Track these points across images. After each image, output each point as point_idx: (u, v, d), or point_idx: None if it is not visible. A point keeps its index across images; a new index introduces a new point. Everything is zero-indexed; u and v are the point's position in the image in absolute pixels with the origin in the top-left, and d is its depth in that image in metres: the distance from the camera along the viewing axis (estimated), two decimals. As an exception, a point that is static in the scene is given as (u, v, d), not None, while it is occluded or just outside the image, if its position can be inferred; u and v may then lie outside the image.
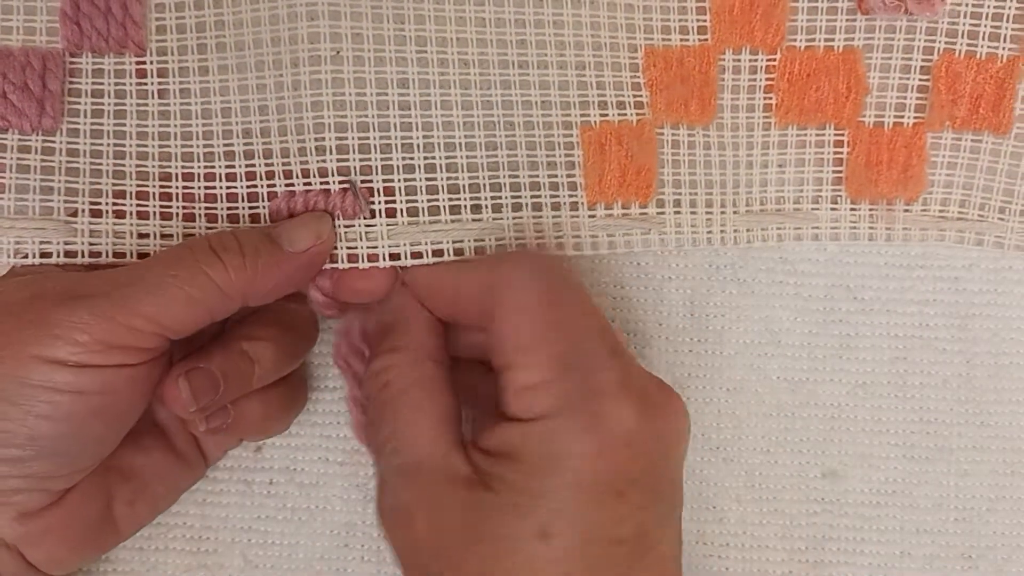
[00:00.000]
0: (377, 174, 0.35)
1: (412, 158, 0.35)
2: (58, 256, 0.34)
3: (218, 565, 0.38)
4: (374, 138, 0.35)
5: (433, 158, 0.35)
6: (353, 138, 0.35)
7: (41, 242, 0.34)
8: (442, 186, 0.35)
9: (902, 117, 0.37)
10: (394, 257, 0.35)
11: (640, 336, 0.39)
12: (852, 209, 0.38)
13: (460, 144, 0.35)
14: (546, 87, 0.36)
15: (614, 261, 0.39)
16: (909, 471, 0.39)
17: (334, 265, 0.35)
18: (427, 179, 0.35)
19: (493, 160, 0.36)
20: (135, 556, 0.38)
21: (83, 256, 0.34)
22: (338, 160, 0.34)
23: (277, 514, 0.38)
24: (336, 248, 0.35)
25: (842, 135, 0.37)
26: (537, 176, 0.36)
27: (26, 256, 0.34)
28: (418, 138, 0.35)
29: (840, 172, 0.38)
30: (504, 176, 0.36)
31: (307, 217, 0.34)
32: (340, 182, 0.35)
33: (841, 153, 0.37)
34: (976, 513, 0.39)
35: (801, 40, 0.37)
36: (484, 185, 0.36)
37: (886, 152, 0.37)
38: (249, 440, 0.38)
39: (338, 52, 0.34)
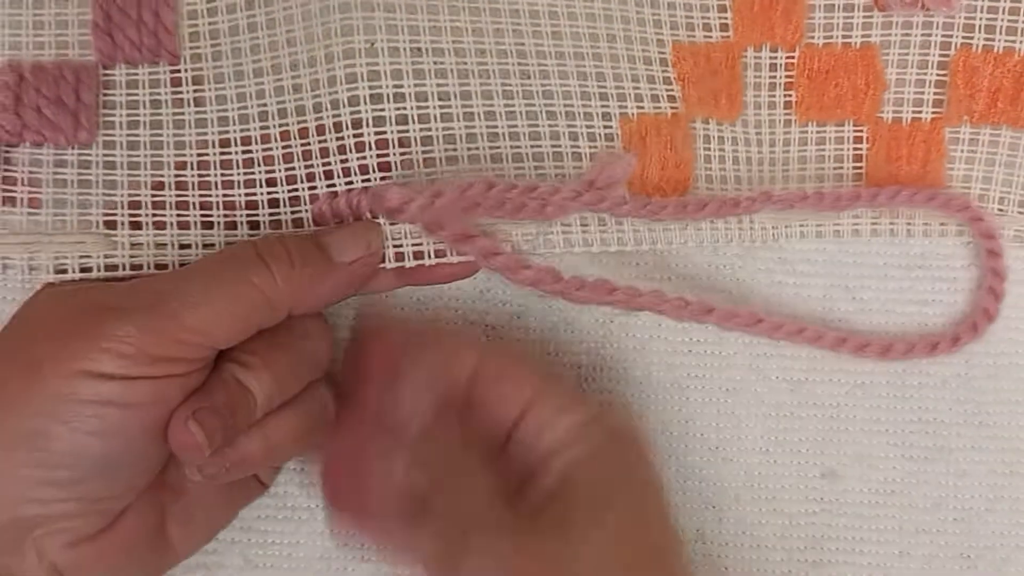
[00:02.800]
0: (419, 167, 0.34)
1: (455, 149, 0.34)
2: (99, 270, 0.33)
3: (218, 564, 0.38)
4: (414, 131, 0.34)
5: (476, 148, 0.34)
6: (392, 132, 0.33)
7: (81, 256, 0.34)
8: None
9: (920, 112, 0.37)
10: (439, 254, 0.34)
11: (639, 337, 0.38)
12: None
13: (504, 134, 0.34)
14: (584, 78, 0.35)
15: (613, 262, 0.38)
16: (908, 471, 0.39)
17: (383, 265, 0.34)
18: (471, 170, 0.34)
19: (538, 150, 0.35)
20: (135, 556, 0.38)
21: (124, 269, 0.34)
22: (378, 156, 0.33)
23: (277, 513, 0.38)
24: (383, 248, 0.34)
25: (861, 131, 0.37)
26: (581, 167, 0.35)
27: (65, 272, 0.34)
28: (459, 128, 0.34)
29: (860, 168, 0.37)
30: (550, 166, 0.35)
31: (357, 226, 0.33)
32: (381, 179, 0.33)
33: (861, 149, 0.37)
34: (975, 513, 0.39)
35: (819, 37, 0.37)
36: (529, 175, 0.35)
37: (905, 147, 0.37)
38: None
39: (372, 44, 0.33)
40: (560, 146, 0.35)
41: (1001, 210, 0.38)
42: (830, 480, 0.39)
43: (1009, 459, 0.39)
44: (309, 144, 0.34)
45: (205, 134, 0.34)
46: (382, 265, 0.34)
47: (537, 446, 0.32)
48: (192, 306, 0.30)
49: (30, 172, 0.34)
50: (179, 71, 0.35)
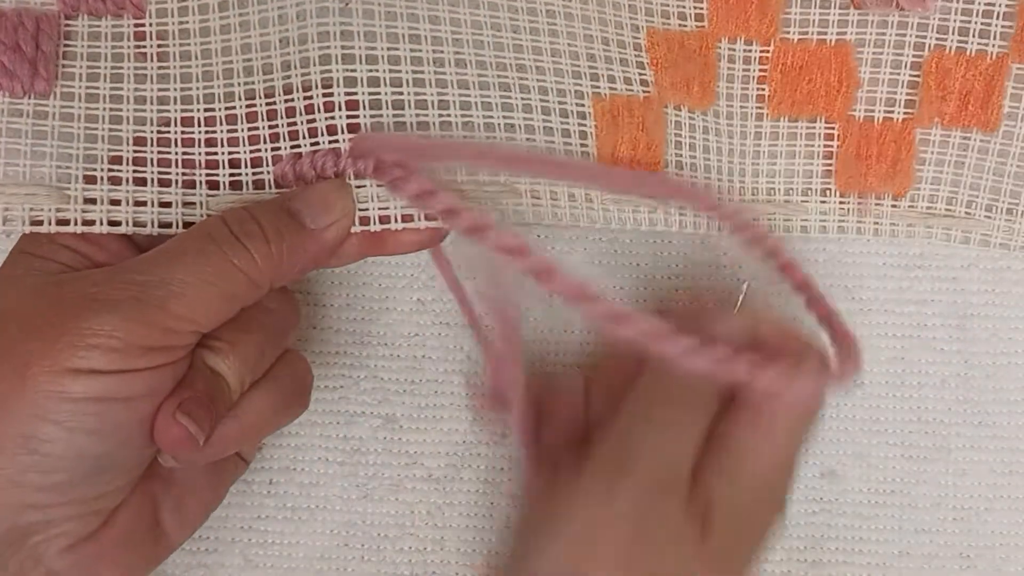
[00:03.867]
0: (389, 131, 0.33)
1: (426, 115, 0.33)
2: (50, 224, 0.32)
3: (218, 564, 0.38)
4: (385, 93, 0.33)
5: (448, 115, 0.34)
6: (364, 93, 0.33)
7: (32, 209, 0.32)
8: None
9: (892, 112, 0.37)
10: (406, 219, 0.33)
11: (639, 336, 0.39)
12: (841, 202, 0.38)
13: (476, 103, 0.34)
14: (557, 55, 0.35)
15: (613, 262, 0.39)
16: (907, 471, 0.39)
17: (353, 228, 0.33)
18: (442, 137, 0.34)
19: (510, 122, 0.34)
20: (135, 556, 0.38)
21: (76, 224, 0.32)
22: (348, 117, 0.33)
23: (277, 513, 0.38)
24: None
25: (832, 128, 0.37)
26: (553, 142, 0.35)
27: (14, 223, 0.32)
28: (432, 95, 0.33)
29: (830, 165, 0.38)
30: (521, 139, 0.34)
31: (327, 188, 0.32)
32: (350, 140, 0.33)
33: (831, 146, 0.37)
34: (974, 512, 0.39)
35: (794, 32, 0.37)
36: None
37: (875, 146, 0.37)
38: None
39: (347, 4, 0.33)
40: (532, 119, 0.34)
41: (968, 213, 0.38)
42: (830, 480, 0.39)
43: (1008, 459, 0.39)
44: (275, 103, 0.33)
45: (167, 90, 0.34)
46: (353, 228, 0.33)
47: None
48: (178, 294, 0.29)
49: None
50: (143, 25, 0.34)
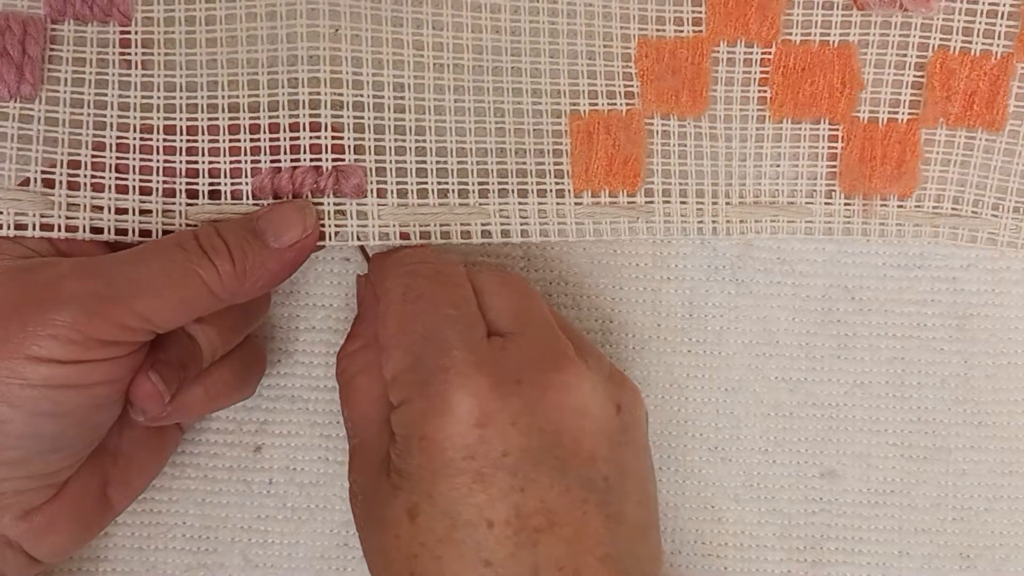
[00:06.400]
0: (370, 154, 0.35)
1: (404, 140, 0.35)
2: (34, 229, 0.33)
3: (218, 564, 0.38)
4: (369, 118, 0.35)
5: (424, 141, 0.35)
6: (349, 117, 0.35)
7: (17, 214, 0.33)
8: (431, 169, 0.36)
9: (896, 113, 0.37)
10: (383, 237, 0.35)
11: (639, 337, 0.39)
12: (846, 204, 0.38)
13: (451, 129, 0.36)
14: (537, 75, 0.36)
15: (613, 262, 0.39)
16: (907, 471, 0.39)
17: (322, 243, 0.35)
18: (417, 161, 0.35)
19: (482, 146, 0.36)
20: (135, 556, 0.38)
21: (60, 230, 0.34)
22: (333, 138, 0.34)
23: (277, 514, 0.39)
24: (325, 226, 0.35)
25: (836, 130, 0.37)
26: (525, 163, 0.36)
27: (0, 227, 0.33)
28: (410, 120, 0.35)
29: (834, 167, 0.38)
30: (492, 162, 0.36)
31: (291, 209, 0.34)
32: (333, 160, 0.35)
33: (835, 148, 0.37)
34: (974, 513, 0.39)
35: (797, 34, 0.37)
36: (472, 170, 0.36)
37: (880, 148, 0.37)
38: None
39: (336, 30, 0.34)
40: (504, 143, 0.36)
41: (975, 212, 0.38)
42: (829, 480, 0.39)
43: (1008, 459, 0.39)
44: (258, 118, 0.35)
45: (151, 98, 0.35)
46: (322, 243, 0.35)
47: None
48: (140, 295, 0.31)
49: None
50: (129, 32, 0.35)
